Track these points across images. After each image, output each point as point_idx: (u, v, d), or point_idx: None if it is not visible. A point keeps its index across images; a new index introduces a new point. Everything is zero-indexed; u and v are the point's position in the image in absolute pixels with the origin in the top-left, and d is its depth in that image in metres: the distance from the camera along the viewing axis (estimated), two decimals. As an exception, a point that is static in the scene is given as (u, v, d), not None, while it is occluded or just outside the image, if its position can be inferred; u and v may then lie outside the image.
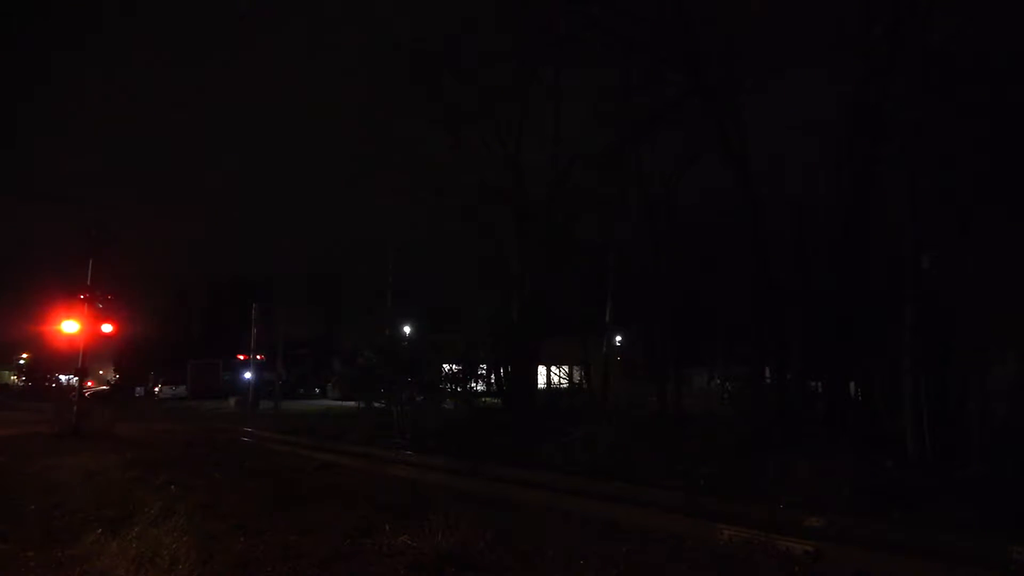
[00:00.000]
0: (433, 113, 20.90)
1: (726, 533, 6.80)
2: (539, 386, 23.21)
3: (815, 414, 15.16)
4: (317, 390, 48.27)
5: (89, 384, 41.27)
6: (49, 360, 58.81)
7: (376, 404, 19.77)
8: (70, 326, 20.30)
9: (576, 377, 30.06)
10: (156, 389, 51.49)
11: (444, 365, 21.47)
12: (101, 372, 67.26)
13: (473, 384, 22.22)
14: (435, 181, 22.29)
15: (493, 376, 22.64)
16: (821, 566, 5.95)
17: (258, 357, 38.17)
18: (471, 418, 19.77)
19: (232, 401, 38.79)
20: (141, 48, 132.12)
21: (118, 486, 9.88)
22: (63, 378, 61.41)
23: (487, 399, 22.61)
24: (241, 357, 41.88)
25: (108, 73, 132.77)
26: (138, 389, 53.63)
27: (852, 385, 15.62)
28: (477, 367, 22.27)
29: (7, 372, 74.99)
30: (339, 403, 33.62)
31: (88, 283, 20.30)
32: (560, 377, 31.56)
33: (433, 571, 5.78)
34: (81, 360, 21.18)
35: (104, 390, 53.01)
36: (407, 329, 29.81)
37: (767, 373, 17.33)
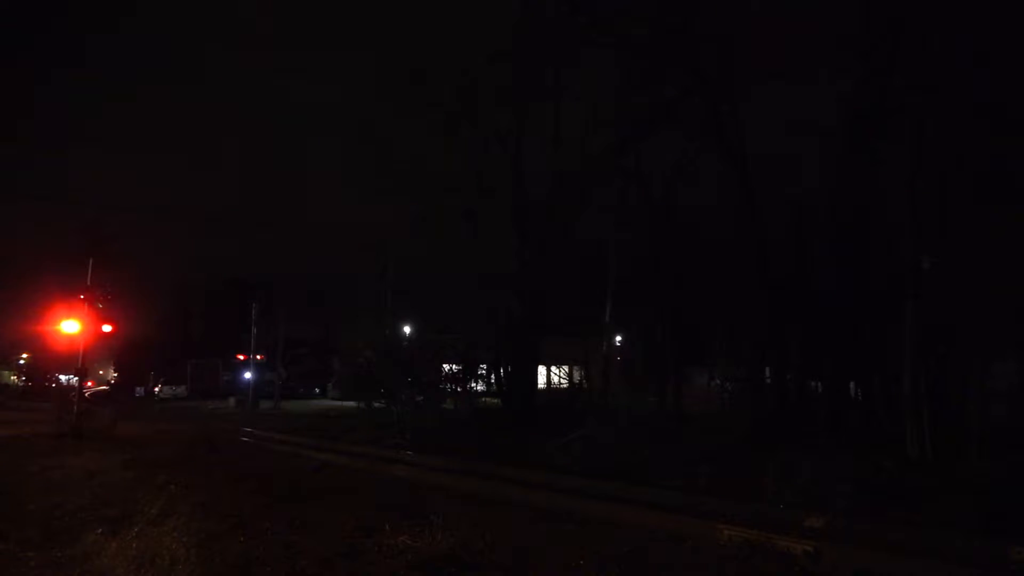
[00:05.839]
0: (433, 115, 20.90)
1: (726, 533, 6.79)
2: (539, 386, 23.18)
3: (815, 414, 15.16)
4: (317, 390, 48.27)
5: (89, 384, 41.32)
6: (49, 360, 58.63)
7: (376, 404, 19.76)
8: (70, 326, 20.29)
9: (576, 377, 30.07)
10: (156, 389, 51.50)
11: (444, 365, 21.44)
12: (101, 372, 67.23)
13: (473, 384, 22.19)
14: (435, 181, 22.30)
15: (493, 376, 22.61)
16: (821, 566, 5.95)
17: (258, 357, 38.18)
18: (471, 418, 19.77)
19: (232, 401, 38.81)
20: (142, 49, 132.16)
21: (118, 486, 9.88)
22: (63, 378, 61.27)
23: (487, 399, 22.59)
24: (241, 357, 41.90)
25: (108, 73, 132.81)
26: (138, 389, 53.61)
27: (852, 385, 15.62)
28: (477, 367, 22.24)
29: (7, 372, 74.78)
30: (339, 403, 33.64)
31: (88, 283, 20.31)
32: (560, 377, 31.57)
33: (433, 571, 5.78)
34: (81, 360, 21.17)
35: (104, 390, 53.02)
36: (407, 329, 29.78)
37: (767, 373, 17.33)
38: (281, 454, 15.61)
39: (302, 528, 7.25)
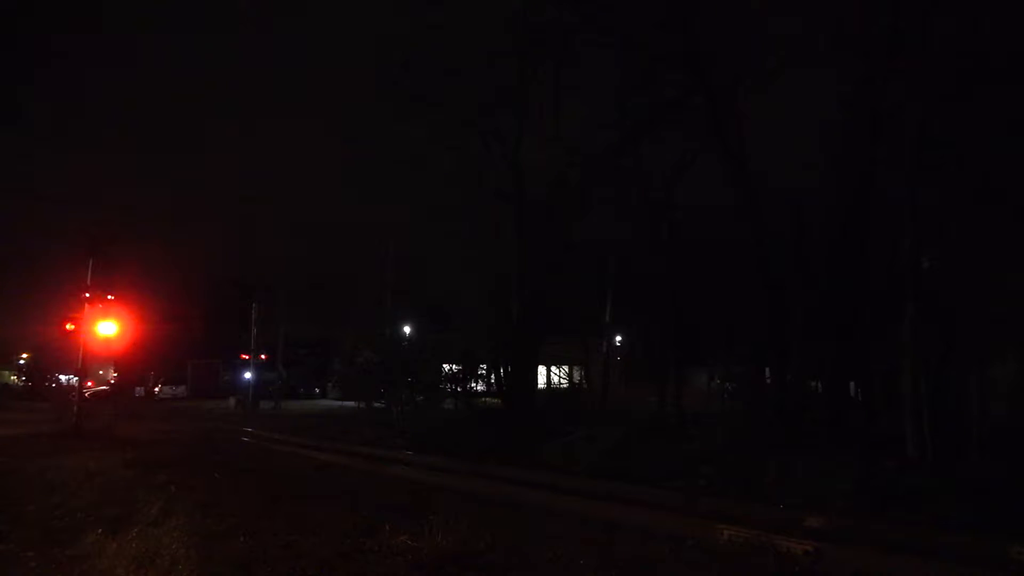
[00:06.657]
0: (433, 115, 20.91)
1: (726, 533, 6.79)
2: (539, 386, 23.20)
3: (815, 414, 15.16)
4: (317, 390, 48.28)
5: (89, 384, 41.25)
6: (49, 360, 58.70)
7: (376, 404, 19.80)
8: (71, 326, 20.31)
9: (576, 377, 30.10)
10: (156, 389, 51.49)
11: (444, 365, 21.47)
12: (101, 372, 67.05)
13: (473, 384, 22.21)
14: (435, 181, 22.33)
15: (493, 376, 22.63)
16: (821, 566, 5.94)
17: (259, 357, 38.19)
18: (471, 418, 19.78)
19: (232, 401, 38.81)
20: (141, 48, 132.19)
21: (118, 486, 9.87)
22: (63, 378, 61.27)
23: (487, 399, 22.60)
24: (242, 357, 41.90)
25: (109, 73, 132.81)
26: (138, 389, 53.56)
27: (852, 385, 15.63)
28: (477, 367, 22.26)
29: (7, 372, 74.78)
30: (339, 403, 33.67)
31: (88, 283, 20.31)
32: (560, 377, 31.59)
33: (433, 571, 5.77)
34: (81, 360, 21.17)
35: (104, 390, 52.86)
36: (407, 329, 29.80)
37: (767, 373, 17.33)
38: (281, 454, 15.61)
39: (302, 528, 7.23)
